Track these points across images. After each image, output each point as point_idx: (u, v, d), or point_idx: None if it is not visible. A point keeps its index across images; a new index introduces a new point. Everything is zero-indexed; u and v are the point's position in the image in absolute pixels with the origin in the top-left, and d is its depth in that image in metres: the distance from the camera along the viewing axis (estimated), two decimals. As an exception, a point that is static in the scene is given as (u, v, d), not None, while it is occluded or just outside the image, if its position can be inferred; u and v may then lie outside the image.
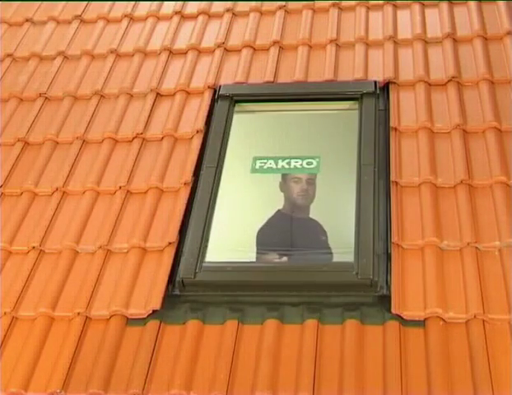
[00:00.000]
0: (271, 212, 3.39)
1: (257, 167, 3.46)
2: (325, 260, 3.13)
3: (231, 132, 3.56)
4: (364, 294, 2.88)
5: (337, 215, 3.36)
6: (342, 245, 3.14)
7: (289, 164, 3.47)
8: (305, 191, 3.44)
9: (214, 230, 3.18)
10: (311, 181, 3.45)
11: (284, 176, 3.48)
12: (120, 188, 3.40)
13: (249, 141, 3.68)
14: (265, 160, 3.49)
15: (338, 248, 3.15)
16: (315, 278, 2.98)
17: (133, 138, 3.65)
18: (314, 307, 2.83)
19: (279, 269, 3.15)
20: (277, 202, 3.45)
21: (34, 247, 3.21)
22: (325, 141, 3.62)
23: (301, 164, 3.46)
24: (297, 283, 2.99)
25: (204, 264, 3.03)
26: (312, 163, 3.46)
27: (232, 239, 3.32)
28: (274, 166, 3.47)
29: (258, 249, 3.26)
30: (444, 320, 2.71)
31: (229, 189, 3.39)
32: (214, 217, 3.22)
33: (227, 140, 3.53)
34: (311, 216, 3.41)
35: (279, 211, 3.42)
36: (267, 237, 3.30)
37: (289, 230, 3.40)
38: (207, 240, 3.12)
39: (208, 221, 3.18)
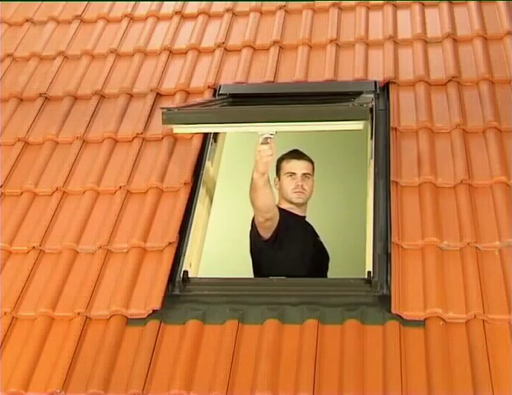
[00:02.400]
0: None
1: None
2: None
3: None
4: (363, 293, 2.87)
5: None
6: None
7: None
8: (301, 187, 3.39)
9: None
10: (308, 176, 3.42)
11: (278, 170, 3.45)
12: (120, 188, 3.40)
13: (246, 141, 3.66)
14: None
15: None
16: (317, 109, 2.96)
17: (133, 138, 3.65)
18: (314, 307, 2.83)
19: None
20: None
21: (34, 247, 3.21)
22: (325, 141, 3.62)
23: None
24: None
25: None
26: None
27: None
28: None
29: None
30: (444, 320, 2.71)
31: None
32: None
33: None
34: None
35: (276, 205, 3.39)
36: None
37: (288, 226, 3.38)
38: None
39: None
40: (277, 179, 3.46)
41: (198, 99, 3.62)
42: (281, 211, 3.36)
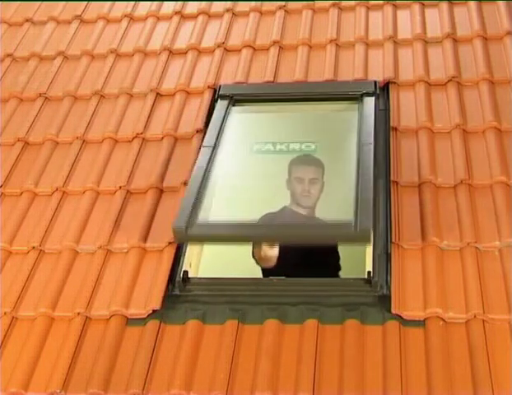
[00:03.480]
0: (268, 190, 3.38)
1: (255, 149, 3.44)
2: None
3: (230, 127, 3.53)
4: (363, 293, 2.87)
5: (336, 203, 3.33)
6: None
7: (287, 147, 3.44)
8: (307, 192, 3.42)
9: (208, 198, 3.12)
10: (315, 180, 3.44)
11: (289, 174, 3.47)
12: (120, 187, 3.40)
13: (247, 134, 3.66)
14: (263, 144, 3.46)
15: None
16: (314, 231, 2.96)
17: (133, 138, 3.65)
18: (314, 307, 2.83)
19: (276, 225, 3.14)
20: (274, 180, 3.45)
21: (34, 247, 3.21)
22: (325, 142, 3.62)
23: (300, 147, 3.43)
24: (294, 236, 2.97)
25: (197, 221, 2.96)
26: (310, 146, 3.43)
27: (227, 209, 3.31)
28: (272, 148, 3.44)
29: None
30: (444, 320, 2.71)
31: (226, 165, 3.34)
32: (209, 186, 3.16)
33: (225, 128, 3.48)
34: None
35: (286, 207, 3.42)
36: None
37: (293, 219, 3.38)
38: (200, 202, 3.05)
39: (203, 187, 3.11)
40: (288, 181, 3.48)
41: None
42: (289, 211, 3.40)
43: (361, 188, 2.99)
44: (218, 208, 3.20)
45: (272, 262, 3.24)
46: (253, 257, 3.32)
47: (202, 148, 3.35)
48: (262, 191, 3.52)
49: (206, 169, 3.19)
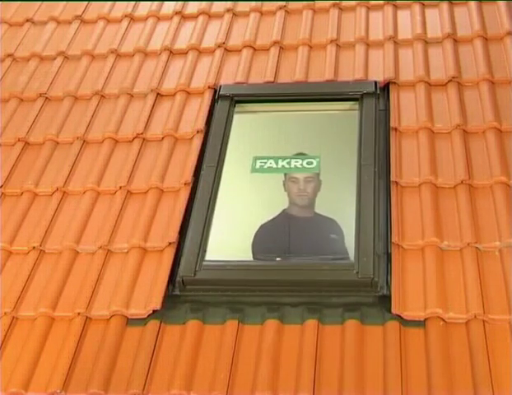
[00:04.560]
0: (271, 211, 3.39)
1: (257, 167, 3.46)
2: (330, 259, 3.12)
3: (231, 133, 3.57)
4: (364, 293, 2.88)
5: (336, 214, 3.36)
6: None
7: (289, 163, 3.47)
8: (303, 191, 3.42)
9: (214, 229, 3.18)
10: (310, 179, 3.44)
11: (285, 175, 3.48)
12: (120, 188, 3.40)
13: (249, 142, 3.68)
14: (265, 160, 3.49)
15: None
16: (315, 277, 2.98)
17: (133, 138, 3.65)
18: (314, 307, 2.83)
19: (279, 268, 3.15)
20: (277, 201, 3.45)
21: (34, 247, 3.21)
22: (325, 142, 3.63)
23: (301, 164, 3.46)
24: (297, 282, 2.99)
25: (204, 263, 3.03)
26: (312, 163, 3.45)
27: (233, 238, 3.33)
28: (274, 166, 3.47)
29: (255, 248, 3.27)
30: (444, 320, 2.71)
31: (229, 189, 3.39)
32: (214, 216, 3.22)
33: (227, 140, 3.54)
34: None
35: (284, 210, 3.42)
36: (267, 236, 3.30)
37: (290, 229, 3.39)
38: (207, 239, 3.12)
39: (208, 220, 3.18)
40: (285, 182, 3.48)
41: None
42: (287, 215, 3.39)
43: (362, 228, 3.03)
44: (219, 227, 3.23)
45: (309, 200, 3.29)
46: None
47: (205, 168, 3.39)
48: (264, 206, 3.52)
49: (209, 201, 3.24)
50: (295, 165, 3.46)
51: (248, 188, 3.54)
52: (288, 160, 3.48)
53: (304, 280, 2.99)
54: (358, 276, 2.88)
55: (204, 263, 3.03)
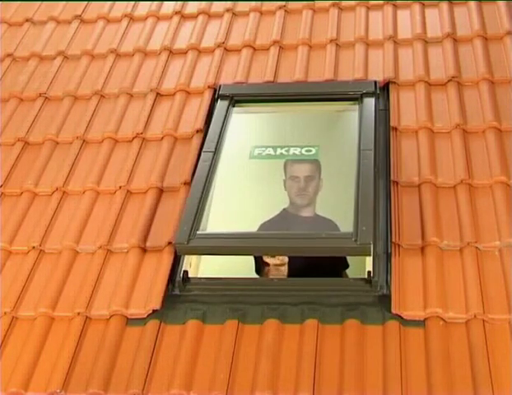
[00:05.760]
0: (267, 196, 3.37)
1: (255, 154, 3.44)
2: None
3: (230, 130, 3.54)
4: (364, 293, 2.87)
5: (337, 205, 3.33)
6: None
7: (288, 151, 3.44)
8: (303, 190, 3.39)
9: (209, 207, 3.16)
10: (311, 178, 3.41)
11: (286, 174, 3.47)
12: (120, 187, 3.40)
13: (247, 137, 3.67)
14: (263, 148, 3.47)
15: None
16: (314, 244, 2.95)
17: (133, 138, 3.65)
18: (314, 307, 2.83)
19: (276, 236, 3.13)
20: (274, 185, 3.43)
21: (34, 247, 3.21)
22: (325, 142, 3.63)
23: (300, 152, 3.44)
24: (295, 249, 2.98)
25: (198, 232, 2.99)
26: (311, 151, 3.43)
27: (228, 216, 3.31)
28: (273, 153, 3.45)
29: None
30: (444, 320, 2.71)
31: (226, 172, 3.35)
32: (210, 195, 3.18)
33: (225, 131, 3.50)
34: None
35: (285, 209, 3.42)
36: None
37: (290, 228, 3.38)
38: (202, 212, 3.09)
39: (204, 196, 3.15)
40: (285, 182, 3.47)
41: None
42: (287, 214, 3.38)
43: (361, 198, 3.01)
44: (217, 217, 3.21)
45: (283, 273, 3.22)
46: (258, 273, 3.32)
47: (202, 153, 3.36)
48: (263, 196, 3.51)
49: (206, 178, 3.21)
50: (293, 153, 3.43)
51: (245, 173, 3.52)
52: (287, 148, 3.45)
53: (302, 247, 2.96)
54: (357, 243, 2.83)
55: (198, 233, 2.99)
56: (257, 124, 3.82)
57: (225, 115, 3.58)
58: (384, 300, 2.82)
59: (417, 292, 2.79)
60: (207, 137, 3.46)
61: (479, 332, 2.65)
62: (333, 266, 3.36)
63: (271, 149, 3.45)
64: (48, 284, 3.05)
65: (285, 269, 3.20)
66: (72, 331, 2.87)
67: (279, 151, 3.44)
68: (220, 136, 3.45)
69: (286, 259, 3.18)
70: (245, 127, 3.72)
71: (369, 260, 2.94)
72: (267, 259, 3.19)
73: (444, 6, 4.13)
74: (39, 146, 3.72)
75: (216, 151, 3.36)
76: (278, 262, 3.18)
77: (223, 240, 3.03)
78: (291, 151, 3.43)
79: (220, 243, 3.02)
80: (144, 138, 3.65)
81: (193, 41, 4.16)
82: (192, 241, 2.96)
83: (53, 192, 3.45)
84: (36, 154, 3.67)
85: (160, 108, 3.81)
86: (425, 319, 2.73)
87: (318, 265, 3.26)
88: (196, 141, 3.55)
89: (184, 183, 3.34)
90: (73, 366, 2.75)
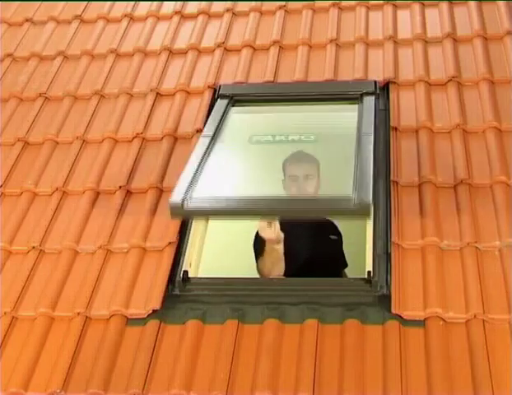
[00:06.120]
0: (265, 173, 3.37)
1: (254, 140, 3.44)
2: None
3: (228, 127, 3.52)
4: (364, 292, 2.87)
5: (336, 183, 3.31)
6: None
7: (286, 137, 3.43)
8: (303, 189, 3.35)
9: (204, 178, 3.10)
10: (310, 177, 3.38)
11: (284, 173, 3.45)
12: (120, 187, 3.40)
13: (246, 129, 3.66)
14: (262, 136, 3.46)
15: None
16: (313, 206, 2.94)
17: (133, 138, 3.65)
18: (314, 307, 2.83)
19: (275, 199, 3.10)
20: (271, 166, 3.43)
21: (34, 247, 3.21)
22: (325, 142, 3.62)
23: (299, 138, 3.43)
24: (293, 211, 2.95)
25: (194, 194, 2.94)
26: (310, 137, 3.42)
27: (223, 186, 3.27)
28: (271, 139, 3.44)
29: (256, 246, 3.26)
30: (444, 320, 2.71)
31: (224, 155, 3.32)
32: (205, 169, 3.14)
33: (224, 123, 3.48)
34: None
35: None
36: None
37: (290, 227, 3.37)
38: (197, 180, 3.04)
39: (200, 169, 3.11)
40: (284, 181, 3.46)
41: None
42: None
43: (361, 165, 2.97)
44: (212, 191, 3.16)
45: (280, 270, 3.21)
46: (259, 272, 3.30)
47: (200, 138, 3.35)
48: (261, 180, 3.48)
49: (203, 155, 3.17)
50: (292, 139, 3.42)
51: (244, 156, 3.51)
52: (285, 135, 3.44)
53: (300, 208, 2.93)
54: (355, 204, 2.76)
55: (194, 195, 2.93)
56: (256, 122, 3.80)
57: (224, 111, 3.57)
58: (384, 300, 2.82)
59: (417, 292, 2.79)
60: (206, 125, 3.45)
61: (479, 332, 2.65)
62: (333, 265, 3.37)
63: (269, 136, 3.44)
64: (48, 284, 3.05)
65: (281, 248, 3.17)
66: (72, 331, 2.87)
67: (278, 137, 3.42)
68: (219, 124, 3.43)
69: (281, 235, 3.14)
70: (244, 123, 3.70)
71: (369, 260, 2.94)
72: (262, 233, 3.15)
73: (444, 6, 4.13)
74: (39, 146, 3.72)
75: (214, 137, 3.33)
76: (273, 236, 3.14)
77: (219, 203, 2.95)
78: (290, 137, 3.42)
79: (216, 205, 2.94)
80: (144, 138, 3.65)
81: (193, 41, 4.16)
82: (186, 202, 2.87)
83: (53, 193, 3.45)
84: (36, 154, 3.67)
85: (160, 108, 3.81)
86: (425, 319, 2.73)
87: (317, 264, 3.27)
88: (196, 141, 3.54)
89: (184, 183, 3.34)
90: (73, 366, 2.75)
